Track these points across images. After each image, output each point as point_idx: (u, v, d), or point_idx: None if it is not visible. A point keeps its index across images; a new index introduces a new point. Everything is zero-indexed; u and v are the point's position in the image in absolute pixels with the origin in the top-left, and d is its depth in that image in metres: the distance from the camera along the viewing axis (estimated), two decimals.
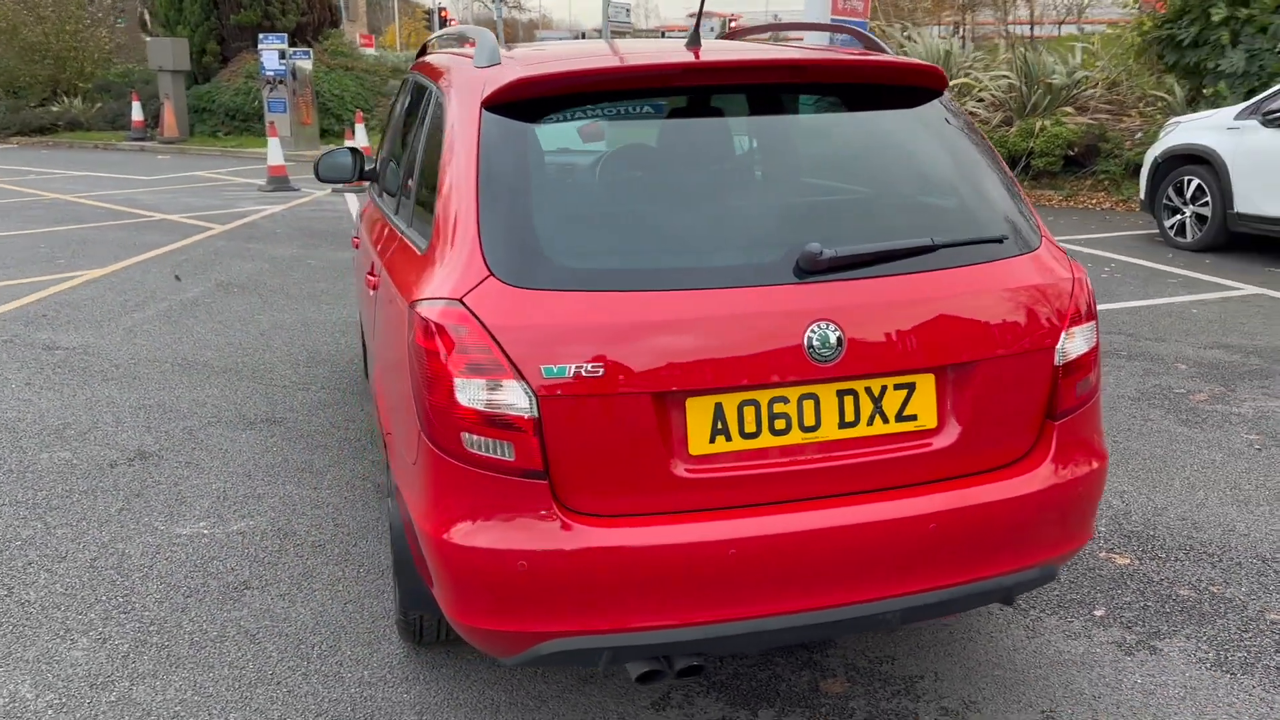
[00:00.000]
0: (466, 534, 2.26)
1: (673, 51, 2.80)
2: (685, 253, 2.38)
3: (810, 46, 3.01)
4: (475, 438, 2.23)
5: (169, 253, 9.37)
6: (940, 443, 2.41)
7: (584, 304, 2.24)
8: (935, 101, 2.74)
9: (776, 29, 4.28)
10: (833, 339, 2.26)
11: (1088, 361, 2.56)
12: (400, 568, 2.73)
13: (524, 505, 2.23)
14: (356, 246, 5.33)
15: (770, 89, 2.64)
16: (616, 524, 2.25)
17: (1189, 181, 8.84)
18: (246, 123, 21.28)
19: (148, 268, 8.69)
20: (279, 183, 14.10)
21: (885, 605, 2.37)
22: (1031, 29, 23.85)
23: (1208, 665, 2.94)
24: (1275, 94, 8.17)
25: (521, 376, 2.19)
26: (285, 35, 19.35)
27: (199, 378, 5.68)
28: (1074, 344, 2.51)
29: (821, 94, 2.68)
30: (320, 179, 4.76)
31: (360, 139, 16.80)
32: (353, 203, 12.78)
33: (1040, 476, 2.48)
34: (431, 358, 2.29)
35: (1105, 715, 2.72)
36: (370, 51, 27.27)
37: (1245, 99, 11.21)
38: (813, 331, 2.26)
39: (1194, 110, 11.79)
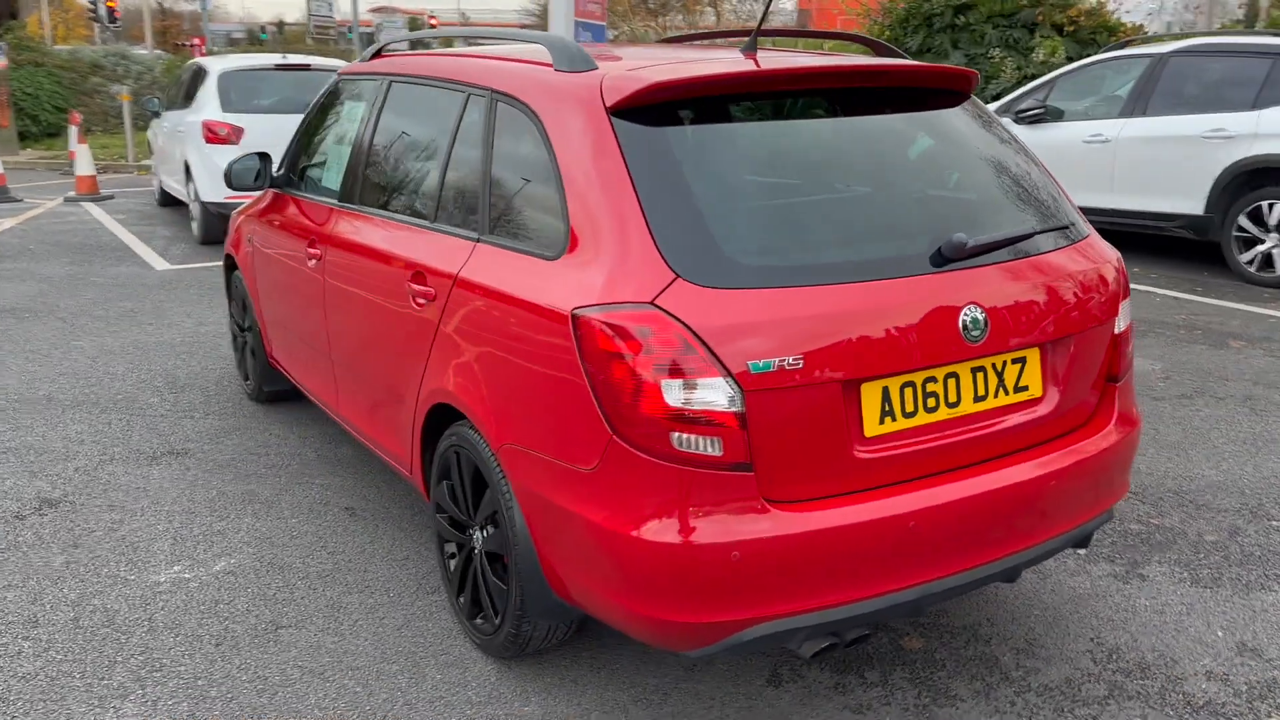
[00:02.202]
0: (674, 531, 2.29)
1: (746, 58, 2.92)
2: (840, 246, 2.54)
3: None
4: (684, 436, 2.27)
5: None
6: (1044, 409, 2.70)
7: (776, 300, 2.33)
8: (970, 100, 3.04)
9: (783, 34, 4.40)
10: (981, 320, 2.50)
11: (1130, 331, 2.95)
12: (527, 579, 2.69)
13: (732, 497, 2.30)
14: (237, 253, 4.99)
15: (864, 93, 2.83)
16: (809, 508, 2.37)
17: None
18: None
19: None
20: None
21: (1018, 557, 2.64)
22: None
23: (1188, 584, 3.45)
24: (1024, 95, 9.32)
25: (728, 373, 2.26)
26: None
27: (52, 414, 5.08)
28: (1124, 316, 2.90)
29: (900, 96, 2.90)
30: (233, 187, 4.47)
31: (72, 142, 15.21)
32: (97, 212, 11.63)
33: (1110, 432, 2.84)
34: (619, 362, 2.30)
35: (1140, 633, 3.15)
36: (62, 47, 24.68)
37: None
38: (966, 314, 2.48)
39: None
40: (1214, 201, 7.86)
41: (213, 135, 9.16)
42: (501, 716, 2.77)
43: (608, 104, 2.56)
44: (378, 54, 3.99)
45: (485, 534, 2.92)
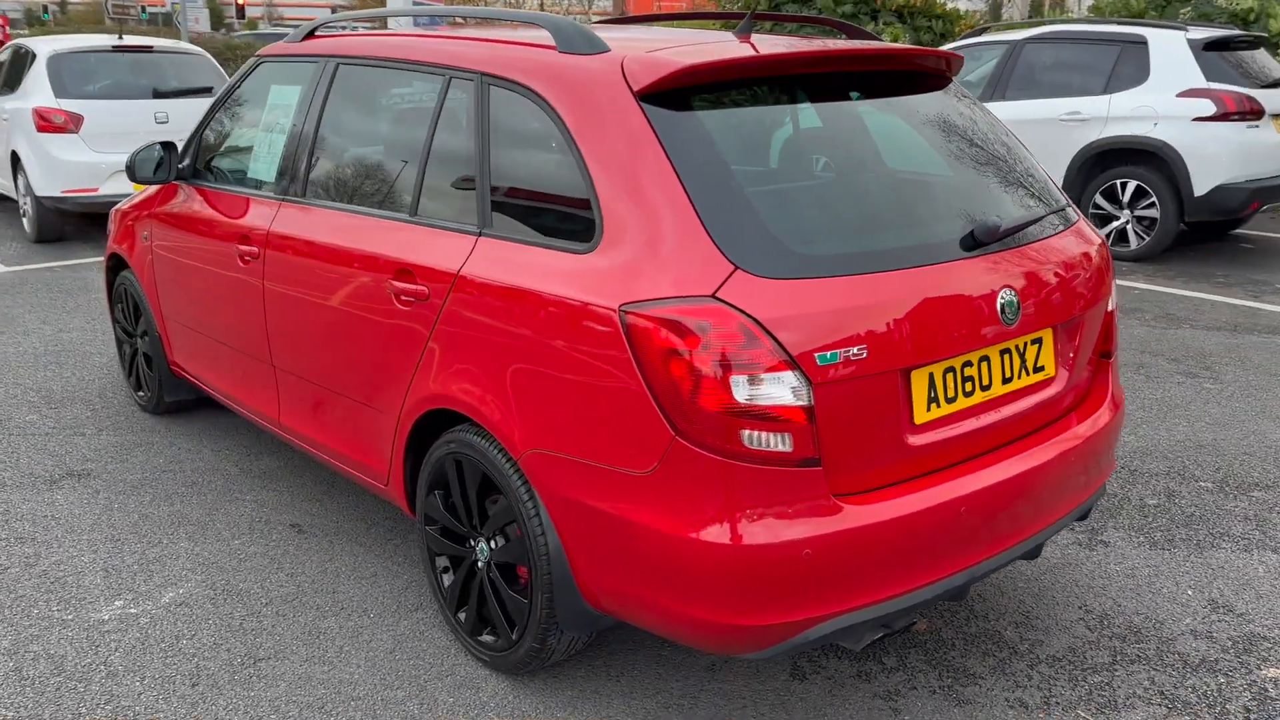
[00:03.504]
0: (745, 532, 2.21)
1: (742, 41, 2.84)
2: (879, 232, 2.50)
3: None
4: (753, 433, 2.19)
5: None
6: (1055, 389, 2.76)
7: (835, 289, 2.28)
8: (953, 83, 3.06)
9: (770, 19, 4.26)
10: (1015, 303, 2.52)
11: (1116, 308, 3.05)
12: (559, 589, 2.55)
13: (800, 494, 2.24)
14: (130, 252, 4.59)
15: (874, 76, 2.80)
16: (870, 499, 2.33)
17: None
18: None
19: None
20: None
21: (1043, 534, 2.69)
22: None
23: (1146, 547, 3.62)
24: None
25: (796, 366, 2.19)
26: None
27: None
28: (1113, 294, 2.99)
29: (900, 80, 2.88)
30: (135, 180, 4.09)
31: None
32: None
33: (1108, 408, 2.92)
34: (681, 359, 2.20)
35: (1120, 598, 3.27)
36: None
37: None
38: (1002, 297, 2.50)
39: None
40: (1070, 181, 8.31)
41: (46, 123, 8.38)
42: None
43: (635, 88, 2.44)
44: (311, 34, 3.70)
45: (494, 545, 2.76)
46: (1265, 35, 9.27)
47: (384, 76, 3.22)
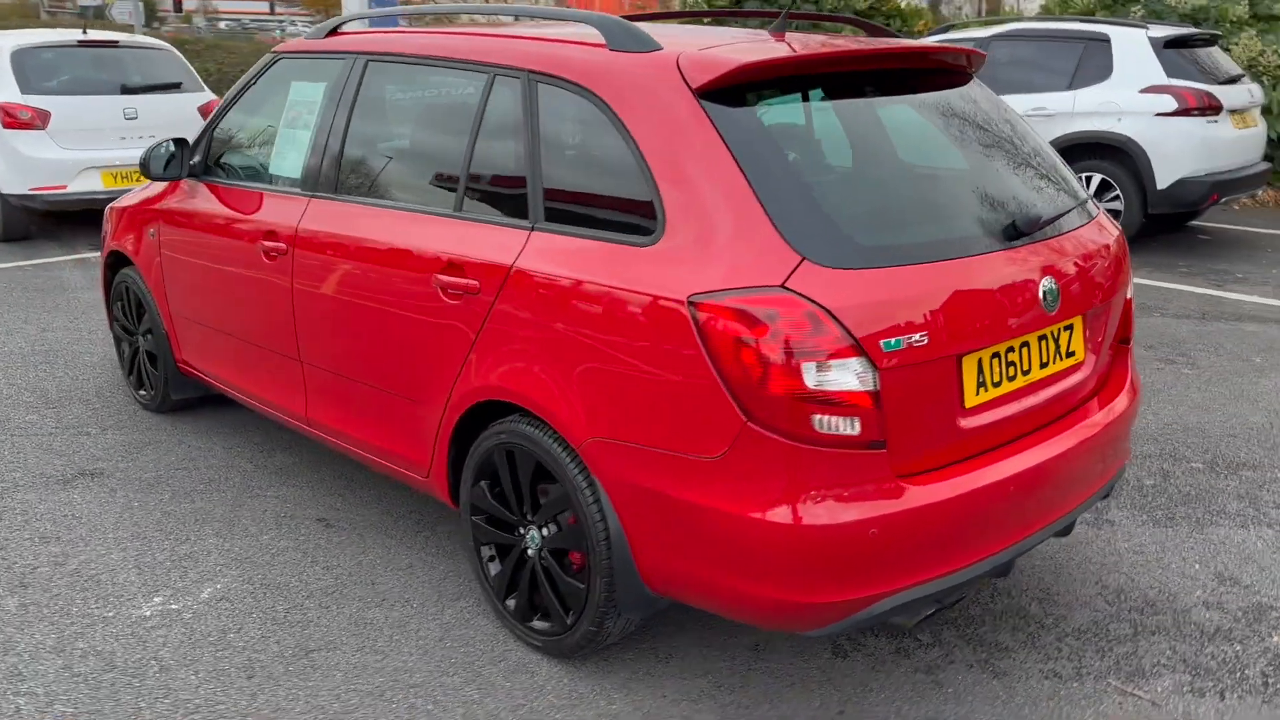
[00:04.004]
0: (814, 512, 2.31)
1: (776, 39, 2.93)
2: (932, 223, 2.62)
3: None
4: (823, 418, 2.28)
5: None
6: (1084, 373, 2.89)
7: (897, 278, 2.38)
8: (975, 79, 3.18)
9: (801, 18, 4.31)
10: (1055, 290, 2.64)
11: (1132, 296, 3.19)
12: (620, 574, 2.62)
13: (868, 476, 2.34)
14: (134, 249, 4.56)
15: (912, 73, 2.91)
16: (927, 480, 2.44)
17: None
18: None
19: None
20: None
21: (1075, 512, 2.82)
22: None
23: (1150, 525, 3.78)
24: None
25: (864, 352, 2.29)
26: None
27: None
28: (1131, 283, 3.13)
29: (936, 75, 2.99)
30: (151, 177, 4.08)
31: None
32: None
33: (1128, 391, 3.06)
34: (753, 347, 2.28)
35: (1133, 573, 3.43)
36: None
37: None
38: (1044, 285, 2.62)
39: None
40: None
41: (12, 120, 8.22)
42: (589, 717, 2.70)
43: (694, 85, 2.51)
44: (334, 31, 3.71)
45: (546, 532, 2.82)
46: (1219, 34, 9.58)
47: (419, 74, 3.25)
